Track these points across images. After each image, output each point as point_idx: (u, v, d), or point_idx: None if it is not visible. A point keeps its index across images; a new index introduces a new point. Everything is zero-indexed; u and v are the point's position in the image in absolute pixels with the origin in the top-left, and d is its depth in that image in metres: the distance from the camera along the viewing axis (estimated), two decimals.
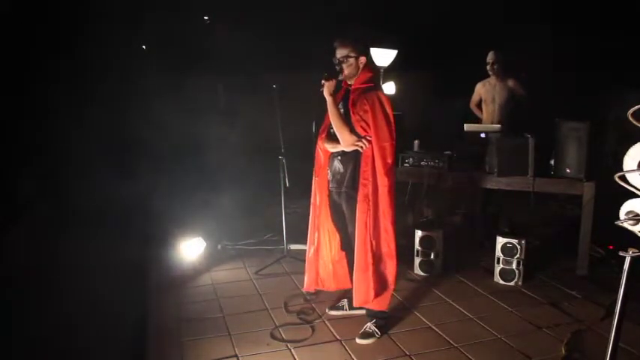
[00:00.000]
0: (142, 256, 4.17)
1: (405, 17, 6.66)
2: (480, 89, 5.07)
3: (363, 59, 2.99)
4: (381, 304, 3.12)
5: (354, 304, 3.15)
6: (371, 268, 3.00)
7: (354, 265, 3.05)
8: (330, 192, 3.24)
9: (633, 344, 2.83)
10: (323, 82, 2.92)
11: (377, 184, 2.95)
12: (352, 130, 2.93)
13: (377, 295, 3.06)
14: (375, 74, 3.09)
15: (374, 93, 2.97)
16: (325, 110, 3.10)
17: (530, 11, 6.16)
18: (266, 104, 4.19)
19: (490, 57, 4.82)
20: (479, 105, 5.14)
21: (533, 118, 4.67)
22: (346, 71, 3.00)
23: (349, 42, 2.99)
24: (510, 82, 4.82)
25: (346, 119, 2.98)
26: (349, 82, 3.05)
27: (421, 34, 6.61)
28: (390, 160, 2.98)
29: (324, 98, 3.00)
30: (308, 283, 3.44)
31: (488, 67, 4.86)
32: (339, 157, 3.12)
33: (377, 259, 3.03)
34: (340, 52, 2.99)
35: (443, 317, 3.38)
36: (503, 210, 4.81)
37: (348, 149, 2.99)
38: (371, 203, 2.94)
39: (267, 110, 4.11)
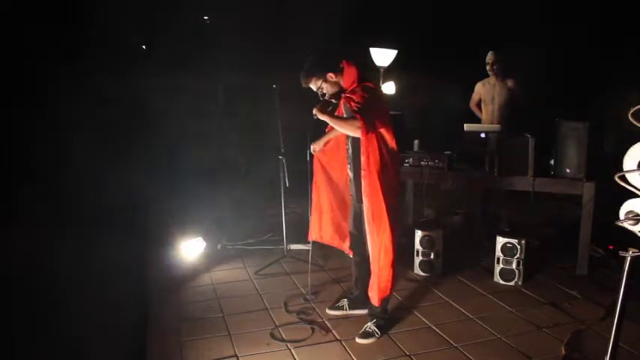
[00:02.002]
0: (142, 256, 4.18)
1: (405, 17, 6.66)
2: (480, 89, 5.07)
3: (330, 75, 3.00)
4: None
5: (375, 304, 3.08)
6: (383, 262, 2.96)
7: (372, 262, 3.00)
8: (351, 197, 3.29)
9: (633, 344, 2.83)
10: (314, 113, 2.95)
11: (380, 173, 2.91)
12: (355, 117, 2.88)
13: (392, 285, 3.06)
14: (359, 71, 3.05)
15: (362, 85, 2.98)
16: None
17: (530, 11, 6.16)
18: (266, 104, 4.19)
19: (489, 57, 4.82)
20: (478, 105, 5.14)
21: (532, 119, 4.67)
22: (330, 92, 3.03)
23: (307, 75, 3.02)
24: (510, 83, 4.82)
25: (347, 116, 3.00)
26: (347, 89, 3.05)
27: (421, 34, 6.61)
28: (394, 145, 3.00)
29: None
30: (311, 233, 3.62)
31: (487, 68, 4.85)
32: (349, 165, 3.20)
33: (386, 251, 3.01)
34: (313, 87, 3.05)
35: (443, 317, 3.38)
36: (503, 210, 4.81)
37: (358, 134, 2.91)
38: (374, 196, 2.89)
39: (267, 110, 4.11)
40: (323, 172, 3.52)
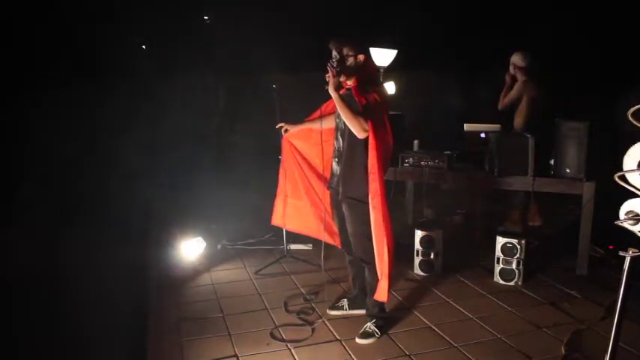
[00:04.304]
0: (142, 256, 4.17)
1: (405, 17, 6.66)
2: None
3: (361, 57, 2.96)
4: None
5: (378, 298, 3.06)
6: (387, 259, 2.94)
7: (377, 262, 2.98)
8: (330, 188, 3.25)
9: (633, 344, 2.83)
10: (327, 79, 2.85)
11: (382, 176, 2.92)
12: (365, 119, 2.84)
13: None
14: (376, 72, 3.08)
15: (379, 89, 2.96)
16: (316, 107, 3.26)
17: (530, 11, 6.16)
18: (266, 104, 4.20)
19: (521, 61, 4.78)
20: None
21: (545, 119, 4.66)
22: (347, 69, 2.96)
23: (345, 41, 2.96)
24: (530, 83, 4.82)
25: (355, 109, 2.89)
26: (349, 83, 2.99)
27: (421, 34, 6.62)
28: (389, 154, 3.00)
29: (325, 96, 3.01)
30: (274, 218, 3.78)
31: (511, 69, 4.83)
32: (336, 159, 3.14)
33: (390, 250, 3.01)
34: (337, 52, 2.96)
35: (443, 317, 3.38)
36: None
37: (361, 135, 2.89)
38: (381, 197, 2.89)
39: (267, 110, 4.11)
40: (293, 156, 3.56)
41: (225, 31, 6.90)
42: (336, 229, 3.40)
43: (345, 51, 2.95)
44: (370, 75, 3.02)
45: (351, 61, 2.96)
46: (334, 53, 2.97)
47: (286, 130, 3.51)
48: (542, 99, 4.79)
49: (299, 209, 3.66)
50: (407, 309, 3.51)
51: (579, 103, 4.86)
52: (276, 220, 3.79)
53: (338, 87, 2.90)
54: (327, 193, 3.39)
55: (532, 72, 4.78)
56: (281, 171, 3.67)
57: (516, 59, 4.81)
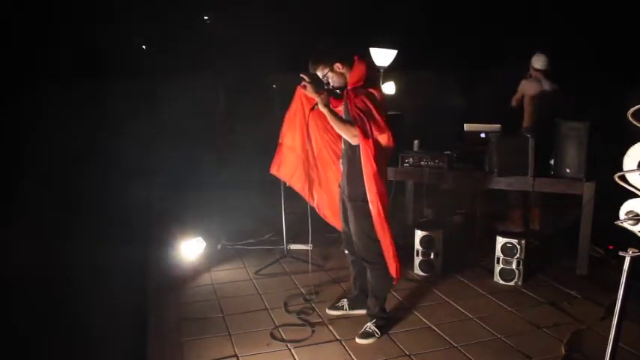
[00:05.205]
0: (142, 256, 4.18)
1: (405, 17, 6.67)
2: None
3: (338, 65, 2.97)
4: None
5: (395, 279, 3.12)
6: (391, 245, 2.98)
7: (385, 251, 3.02)
8: (339, 187, 3.27)
9: (633, 344, 2.83)
10: (318, 101, 2.90)
11: (379, 175, 2.93)
12: (352, 125, 2.87)
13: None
14: (368, 71, 3.03)
15: (366, 91, 2.94)
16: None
17: (530, 11, 6.16)
18: (266, 104, 4.20)
19: (536, 63, 4.80)
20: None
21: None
22: (335, 84, 3.02)
23: (316, 61, 3.00)
24: (528, 84, 4.84)
25: (346, 118, 2.96)
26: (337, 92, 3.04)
27: (421, 34, 6.62)
28: (388, 151, 3.00)
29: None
30: (272, 167, 3.68)
31: (538, 72, 4.85)
32: (341, 160, 3.17)
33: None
34: (319, 74, 3.02)
35: (443, 317, 3.38)
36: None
37: (353, 142, 2.92)
38: (378, 194, 2.90)
39: (267, 110, 4.11)
40: (301, 107, 3.42)
41: (225, 31, 6.91)
42: (316, 195, 3.52)
43: (321, 69, 3.00)
44: (359, 77, 2.98)
45: (330, 75, 3.00)
46: (319, 75, 3.02)
47: (305, 86, 3.04)
48: (542, 98, 4.79)
49: (290, 160, 3.60)
50: (407, 309, 3.51)
51: (579, 103, 4.87)
52: (273, 168, 3.69)
53: (328, 102, 2.94)
54: (322, 157, 3.46)
55: (548, 74, 4.78)
56: (286, 117, 3.53)
57: (533, 60, 4.84)
